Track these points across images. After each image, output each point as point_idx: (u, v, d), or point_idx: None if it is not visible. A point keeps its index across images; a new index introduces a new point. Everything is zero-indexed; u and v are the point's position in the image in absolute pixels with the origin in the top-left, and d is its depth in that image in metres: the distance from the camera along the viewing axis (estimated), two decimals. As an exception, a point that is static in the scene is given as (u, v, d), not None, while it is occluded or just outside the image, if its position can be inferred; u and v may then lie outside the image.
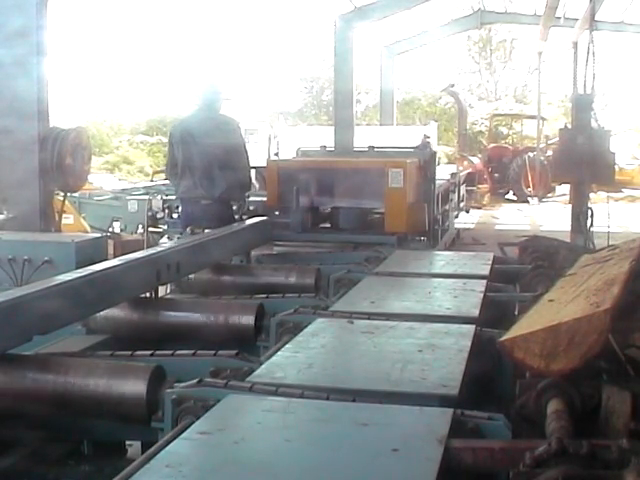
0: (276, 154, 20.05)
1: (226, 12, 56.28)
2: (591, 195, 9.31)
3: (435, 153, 6.89)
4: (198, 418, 1.94)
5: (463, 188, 12.19)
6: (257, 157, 11.59)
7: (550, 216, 17.08)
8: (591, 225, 8.38)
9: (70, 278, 2.89)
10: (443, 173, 10.06)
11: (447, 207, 9.55)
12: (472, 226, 15.39)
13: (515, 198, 22.13)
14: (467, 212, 13.34)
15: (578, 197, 8.86)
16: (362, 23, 17.35)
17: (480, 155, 23.11)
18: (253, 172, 7.58)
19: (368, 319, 2.87)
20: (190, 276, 4.11)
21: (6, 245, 3.86)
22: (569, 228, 8.83)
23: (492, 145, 23.80)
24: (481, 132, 31.20)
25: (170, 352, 2.66)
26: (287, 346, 2.55)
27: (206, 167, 5.96)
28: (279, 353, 2.47)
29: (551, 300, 2.54)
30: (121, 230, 10.12)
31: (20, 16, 5.89)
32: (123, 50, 59.79)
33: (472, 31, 27.54)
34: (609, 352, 2.02)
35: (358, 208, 5.89)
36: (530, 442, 1.73)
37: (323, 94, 40.43)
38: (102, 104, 37.23)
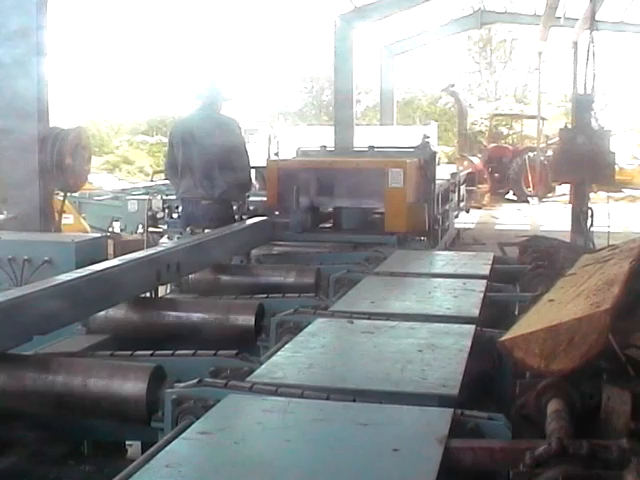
0: (276, 154, 20.05)
1: (226, 12, 56.31)
2: (591, 195, 9.32)
3: (435, 153, 6.88)
4: (198, 418, 1.94)
5: (463, 188, 12.18)
6: (257, 157, 11.58)
7: (550, 216, 17.09)
8: (591, 225, 8.39)
9: (70, 278, 2.89)
10: (443, 173, 10.06)
11: (447, 207, 9.54)
12: (472, 226, 15.39)
13: (515, 198, 22.13)
14: (467, 212, 13.32)
15: (578, 197, 8.86)
16: (362, 23, 17.38)
17: (480, 155, 23.10)
18: (253, 172, 7.57)
19: (368, 319, 2.87)
20: (190, 276, 4.11)
21: (6, 245, 3.85)
22: (569, 228, 8.83)
23: (492, 145, 23.81)
24: (481, 132, 31.21)
25: (170, 352, 2.66)
26: (287, 346, 2.55)
27: (206, 167, 5.96)
28: (279, 353, 2.47)
29: (551, 300, 2.54)
30: (121, 230, 10.12)
31: (20, 16, 5.89)
32: (123, 50, 59.82)
33: (472, 31, 27.56)
34: (609, 352, 2.01)
35: (360, 208, 5.89)
36: (530, 442, 1.73)
37: (323, 94, 40.45)
38: (102, 104, 37.26)
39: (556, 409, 1.91)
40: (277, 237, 5.47)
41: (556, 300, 2.51)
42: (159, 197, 9.25)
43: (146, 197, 9.54)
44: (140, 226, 9.61)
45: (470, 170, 16.40)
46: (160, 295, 3.87)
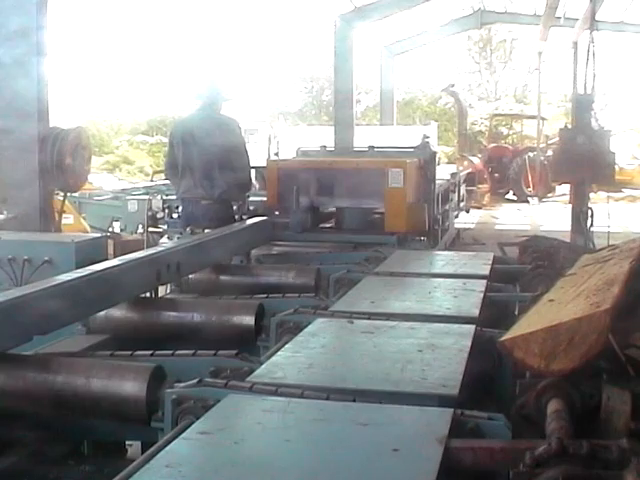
0: (276, 154, 20.06)
1: (226, 12, 56.31)
2: (591, 195, 9.32)
3: (435, 153, 6.88)
4: (198, 418, 1.94)
5: (463, 188, 12.18)
6: (257, 157, 11.58)
7: (550, 216, 17.09)
8: (591, 225, 8.39)
9: (70, 278, 2.89)
10: (443, 173, 10.06)
11: (447, 207, 9.54)
12: (472, 226, 15.39)
13: (515, 198, 22.14)
14: (467, 212, 13.33)
15: (578, 197, 8.87)
16: (362, 23, 17.38)
17: (480, 155, 23.10)
18: (253, 172, 7.57)
19: (368, 319, 2.87)
20: (190, 276, 4.11)
21: (6, 245, 3.86)
22: (569, 228, 8.83)
23: (492, 145, 23.81)
24: (481, 132, 31.21)
25: (170, 352, 2.66)
26: (287, 346, 2.55)
27: (206, 167, 5.95)
28: (279, 353, 2.47)
29: (551, 300, 2.54)
30: (121, 230, 10.12)
31: (20, 16, 5.89)
32: (123, 50, 59.83)
33: (472, 31, 27.55)
34: (609, 352, 2.01)
35: (362, 208, 5.88)
36: (530, 442, 1.73)
37: (323, 94, 40.46)
38: (102, 104, 37.27)
39: (556, 409, 1.91)
40: (277, 237, 5.47)
41: (556, 300, 2.50)
42: (159, 197, 9.25)
43: (146, 197, 9.55)
44: (140, 226, 9.61)
45: (470, 170, 16.40)
46: (160, 295, 3.87)
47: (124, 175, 28.42)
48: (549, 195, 21.26)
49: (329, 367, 2.36)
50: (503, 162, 22.39)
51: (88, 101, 37.33)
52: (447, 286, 3.54)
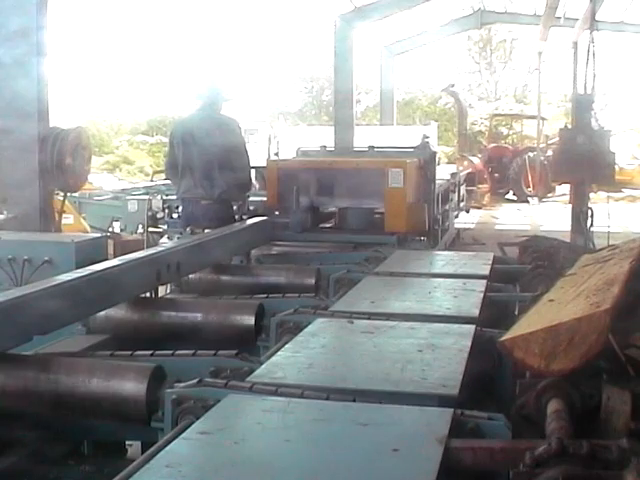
0: (276, 154, 20.07)
1: (226, 12, 56.31)
2: (591, 195, 9.32)
3: (435, 153, 6.88)
4: (198, 418, 1.94)
5: (463, 188, 12.19)
6: (257, 157, 11.58)
7: (550, 216, 17.09)
8: (591, 225, 8.39)
9: (70, 278, 2.89)
10: (443, 173, 10.06)
11: (447, 207, 9.54)
12: (472, 226, 15.39)
13: (515, 198, 22.14)
14: (467, 212, 13.34)
15: (578, 197, 8.87)
16: (362, 23, 17.38)
17: (480, 155, 23.10)
18: (253, 172, 7.57)
19: (368, 319, 2.87)
20: (190, 276, 4.11)
21: (6, 245, 3.85)
22: (569, 228, 8.83)
23: (492, 145, 23.81)
24: (481, 132, 31.21)
25: (170, 352, 2.66)
26: (287, 346, 2.55)
27: (206, 167, 5.96)
28: (279, 353, 2.47)
29: (551, 300, 2.54)
30: (121, 230, 10.12)
31: (20, 16, 5.89)
32: (123, 50, 59.83)
33: (472, 31, 27.56)
34: (609, 352, 2.01)
35: (365, 209, 5.87)
36: (530, 442, 1.73)
37: (323, 94, 40.46)
38: (102, 104, 37.28)
39: (556, 409, 1.91)
40: (277, 237, 5.46)
41: (556, 300, 2.50)
42: (159, 197, 9.26)
43: (146, 197, 9.55)
44: (140, 226, 9.61)
45: (470, 170, 16.42)
46: (160, 295, 3.87)
47: (124, 175, 28.41)
48: (549, 195, 21.26)
49: (329, 367, 2.36)
50: (503, 162, 22.39)
51: (88, 101, 37.37)
52: (447, 286, 3.54)
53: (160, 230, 8.90)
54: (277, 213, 5.75)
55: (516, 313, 3.18)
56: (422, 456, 1.68)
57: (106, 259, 3.75)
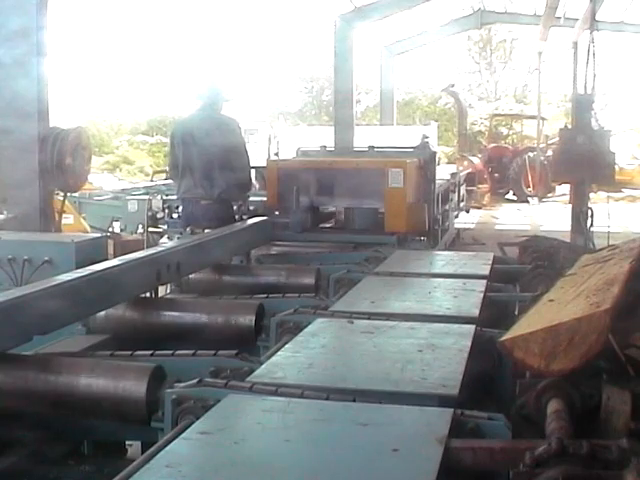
0: (276, 154, 20.07)
1: (227, 12, 56.31)
2: (591, 195, 9.32)
3: (435, 153, 6.88)
4: (198, 418, 1.94)
5: (463, 188, 12.19)
6: (257, 157, 11.59)
7: (550, 216, 17.09)
8: (591, 225, 8.39)
9: (70, 278, 2.89)
10: (443, 173, 10.06)
11: (447, 207, 9.54)
12: (472, 226, 15.40)
13: (515, 198, 22.15)
14: (467, 212, 13.34)
15: (578, 197, 8.87)
16: (362, 23, 17.38)
17: (480, 155, 23.11)
18: (253, 172, 7.57)
19: (368, 319, 2.87)
20: (190, 276, 4.11)
21: (6, 245, 3.85)
22: (569, 228, 8.84)
23: (492, 145, 23.82)
24: (481, 132, 31.21)
25: (170, 352, 2.66)
26: (287, 346, 2.55)
27: (206, 167, 5.96)
28: (279, 353, 2.47)
29: (551, 300, 2.54)
30: (121, 230, 10.12)
31: (20, 16, 5.89)
32: (123, 50, 59.85)
33: (472, 31, 27.55)
34: (609, 352, 2.01)
35: (369, 209, 5.86)
36: (530, 442, 1.73)
37: (323, 94, 40.46)
38: (102, 104, 37.28)
39: (556, 409, 1.91)
40: (277, 237, 5.46)
41: (556, 300, 2.51)
42: (159, 197, 9.26)
43: (146, 197, 9.55)
44: (140, 226, 9.61)
45: (470, 170, 16.42)
46: (160, 295, 3.87)
47: (124, 175, 28.41)
48: (549, 195, 21.26)
49: (329, 367, 2.36)
50: (503, 162, 22.39)
51: (88, 101, 37.38)
52: (447, 286, 3.54)
53: (160, 230, 8.90)
54: (277, 213, 5.75)
55: (516, 313, 3.18)
56: (422, 456, 1.68)
57: (106, 259, 3.75)
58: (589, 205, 8.58)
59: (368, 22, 17.79)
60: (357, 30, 17.24)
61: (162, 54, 59.73)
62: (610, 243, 4.11)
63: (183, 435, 1.80)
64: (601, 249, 3.56)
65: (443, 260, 4.48)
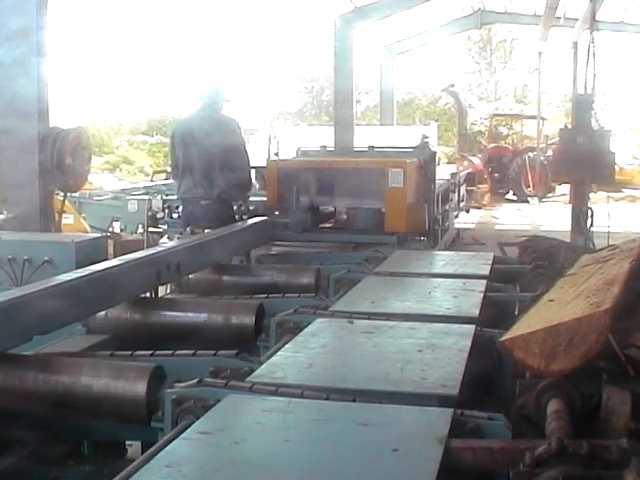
0: (276, 154, 20.07)
1: (227, 12, 56.32)
2: (591, 195, 9.33)
3: (435, 153, 6.88)
4: (198, 418, 1.94)
5: (463, 188, 12.19)
6: (257, 157, 11.59)
7: (550, 216, 17.09)
8: (591, 225, 8.39)
9: (70, 278, 2.89)
10: (443, 173, 10.06)
11: (447, 207, 9.54)
12: (472, 226, 15.40)
13: (515, 198, 22.14)
14: (467, 212, 13.34)
15: (578, 197, 8.88)
16: (362, 23, 17.37)
17: (480, 155, 23.11)
18: (253, 172, 7.57)
19: (368, 319, 2.87)
20: (190, 276, 4.11)
21: (6, 245, 3.85)
22: (569, 228, 8.84)
23: (492, 145, 23.81)
24: (481, 132, 31.21)
25: (170, 352, 2.66)
26: (287, 346, 2.55)
27: (206, 167, 5.96)
28: (279, 353, 2.47)
29: (551, 300, 2.54)
30: (121, 230, 10.12)
31: (20, 16, 5.89)
32: (123, 50, 59.85)
33: (472, 31, 27.54)
34: (609, 352, 2.01)
35: (374, 209, 5.85)
36: (530, 442, 1.73)
37: (323, 94, 40.46)
38: (102, 104, 37.28)
39: (556, 409, 1.91)
40: (277, 237, 5.46)
41: (556, 300, 2.51)
42: (159, 197, 9.26)
43: (146, 197, 9.55)
44: (140, 226, 9.61)
45: (470, 170, 16.42)
46: (160, 295, 3.87)
47: (124, 175, 28.41)
48: (549, 195, 21.26)
49: (329, 367, 2.36)
50: (503, 162, 22.39)
51: (88, 101, 37.38)
52: (447, 286, 3.54)
53: (160, 230, 8.90)
54: (277, 213, 5.76)
55: (516, 313, 3.18)
56: (422, 456, 1.68)
57: (106, 259, 3.75)
58: (589, 205, 8.59)
59: (368, 22, 17.79)
60: (357, 30, 17.23)
61: (162, 54, 59.76)
62: (610, 243, 4.11)
63: (183, 435, 1.80)
64: (601, 249, 3.55)
65: (443, 260, 4.48)
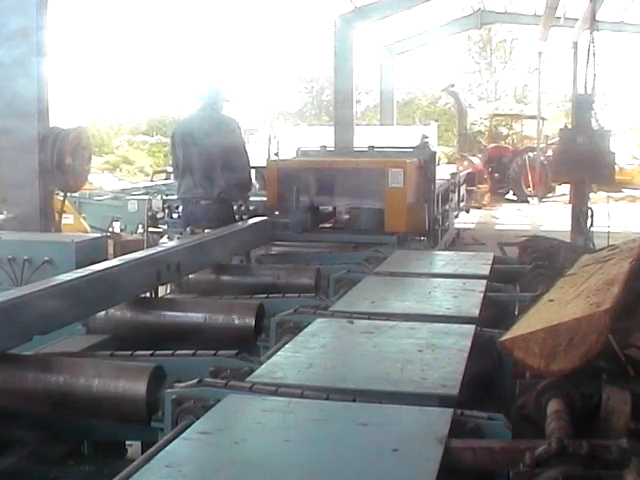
0: (276, 154, 20.07)
1: (227, 12, 56.32)
2: (591, 195, 9.33)
3: (435, 153, 6.88)
4: (198, 418, 1.94)
5: (463, 188, 12.19)
6: (257, 157, 11.59)
7: (550, 216, 17.09)
8: (591, 225, 8.39)
9: (70, 278, 2.89)
10: (443, 173, 10.06)
11: (447, 207, 9.54)
12: (472, 226, 15.40)
13: (515, 198, 22.15)
14: (467, 212, 13.34)
15: (578, 197, 8.88)
16: (362, 23, 17.37)
17: (480, 155, 23.11)
18: (253, 172, 7.57)
19: (368, 319, 2.87)
20: (190, 276, 4.11)
21: (6, 245, 3.85)
22: (569, 228, 8.84)
23: (492, 145, 23.82)
24: (481, 132, 31.21)
25: (170, 352, 2.66)
26: (287, 346, 2.55)
27: (206, 167, 5.96)
28: (279, 353, 2.47)
29: (551, 300, 2.54)
30: (121, 230, 10.12)
31: (20, 16, 5.89)
32: (123, 50, 59.85)
33: (472, 31, 27.54)
34: (609, 352, 2.01)
35: (376, 209, 5.85)
36: (530, 442, 1.73)
37: (323, 94, 40.46)
38: (102, 104, 37.28)
39: (556, 409, 1.91)
40: (277, 237, 5.46)
41: (556, 300, 2.50)
42: (159, 197, 9.26)
43: (146, 197, 9.55)
44: (140, 226, 9.61)
45: (470, 170, 16.42)
46: (160, 295, 3.87)
47: (124, 175, 28.41)
48: (549, 195, 21.26)
49: (329, 367, 2.36)
50: (503, 162, 22.40)
51: (88, 101, 37.38)
52: (447, 286, 3.54)
53: (160, 230, 8.90)
54: (277, 213, 5.75)
55: (516, 313, 3.18)
56: (422, 456, 1.68)
57: (106, 259, 3.74)
58: (589, 205, 8.59)
59: (368, 22, 17.79)
60: (357, 30, 17.23)
61: (162, 54, 59.76)
62: (610, 243, 4.10)
63: (183, 435, 1.80)
64: (601, 249, 3.55)
65: (443, 260, 4.48)
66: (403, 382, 2.18)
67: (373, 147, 6.74)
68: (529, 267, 3.96)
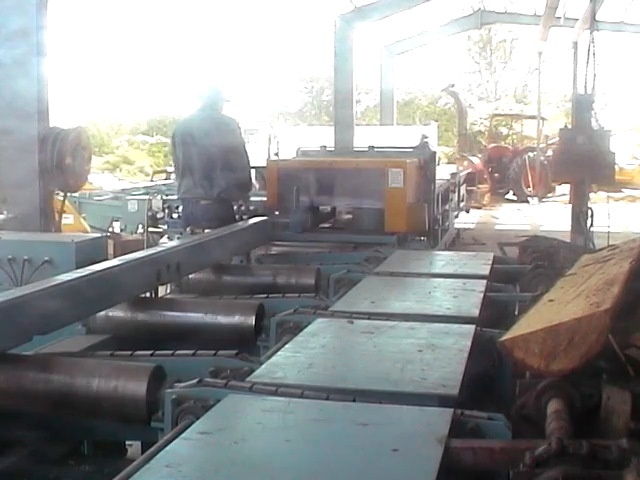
0: (276, 154, 20.07)
1: (227, 12, 56.33)
2: (591, 195, 9.33)
3: (435, 153, 6.88)
4: (198, 418, 1.94)
5: (463, 188, 12.19)
6: (257, 157, 11.59)
7: (550, 216, 17.09)
8: (591, 225, 8.40)
9: (70, 278, 2.89)
10: (443, 173, 10.06)
11: (447, 207, 9.54)
12: (472, 226, 15.40)
13: (515, 198, 22.15)
14: (467, 212, 13.34)
15: (578, 197, 8.88)
16: (362, 23, 17.37)
17: (480, 155, 23.11)
18: (253, 172, 7.57)
19: (368, 319, 2.87)
20: (190, 276, 4.11)
21: (6, 245, 3.85)
22: (569, 228, 8.84)
23: (492, 145, 23.83)
24: (481, 132, 31.21)
25: (170, 352, 2.66)
26: (287, 346, 2.55)
27: (206, 167, 5.96)
28: (279, 353, 2.47)
29: (551, 300, 2.54)
30: (121, 230, 10.13)
31: (20, 16, 5.89)
32: (123, 50, 59.85)
33: (472, 31, 27.54)
34: (609, 352, 2.01)
35: (373, 209, 5.84)
36: (530, 442, 1.73)
37: (323, 94, 40.46)
38: (102, 104, 37.28)
39: (556, 409, 1.91)
40: (277, 237, 5.46)
41: (556, 300, 2.50)
42: (159, 197, 9.26)
43: (146, 197, 9.55)
44: (140, 226, 9.61)
45: (470, 170, 16.42)
46: (160, 295, 3.87)
47: (124, 175, 28.41)
48: (549, 195, 21.27)
49: (329, 367, 2.36)
50: (503, 162, 22.40)
51: (88, 101, 37.38)
52: (447, 286, 3.54)
53: (160, 230, 8.90)
54: (277, 213, 5.76)
55: (516, 313, 3.18)
56: (422, 456, 1.68)
57: (106, 259, 3.74)
58: (589, 205, 8.59)
59: (368, 22, 17.79)
60: (357, 30, 17.23)
61: (162, 54, 59.76)
62: (610, 243, 4.10)
63: (183, 435, 1.80)
64: (601, 249, 3.55)
65: (443, 260, 4.48)
66: (403, 382, 2.18)
67: (373, 147, 6.75)
68: (529, 267, 3.96)
